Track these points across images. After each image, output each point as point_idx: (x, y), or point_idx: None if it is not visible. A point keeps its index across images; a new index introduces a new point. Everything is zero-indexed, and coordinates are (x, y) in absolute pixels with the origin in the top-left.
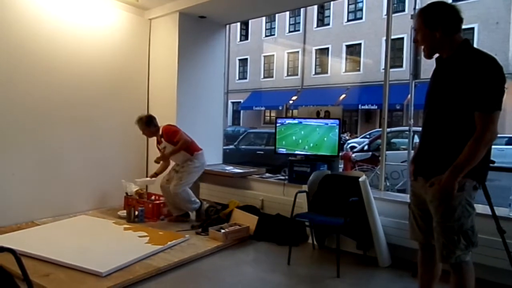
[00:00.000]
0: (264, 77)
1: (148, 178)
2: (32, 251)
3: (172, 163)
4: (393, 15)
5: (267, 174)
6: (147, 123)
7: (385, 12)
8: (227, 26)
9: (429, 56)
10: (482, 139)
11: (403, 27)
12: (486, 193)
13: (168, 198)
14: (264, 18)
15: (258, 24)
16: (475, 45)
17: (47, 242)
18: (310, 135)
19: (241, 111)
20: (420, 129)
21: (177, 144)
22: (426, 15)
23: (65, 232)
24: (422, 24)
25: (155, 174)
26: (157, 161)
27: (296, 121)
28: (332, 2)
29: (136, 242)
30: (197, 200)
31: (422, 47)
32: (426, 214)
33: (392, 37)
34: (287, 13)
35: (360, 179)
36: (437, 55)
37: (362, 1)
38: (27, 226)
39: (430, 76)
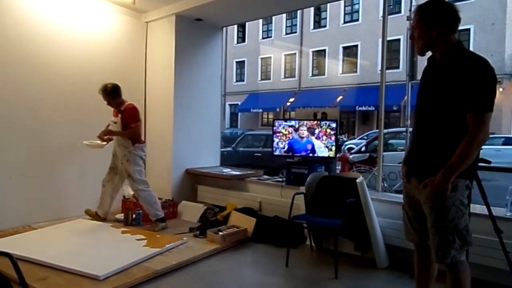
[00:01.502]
0: (262, 79)
1: (100, 142)
2: (29, 255)
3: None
4: (389, 16)
5: (265, 176)
6: (113, 93)
7: (381, 13)
8: (224, 28)
9: (422, 53)
10: (474, 140)
11: (399, 28)
12: (482, 193)
13: (104, 196)
14: (261, 21)
15: (255, 27)
16: (471, 46)
17: (45, 246)
18: None
19: (239, 113)
20: None
21: (127, 129)
22: (424, 13)
23: (62, 236)
24: (420, 21)
25: (109, 140)
26: (100, 136)
27: (293, 122)
28: (328, 4)
29: (134, 245)
30: (160, 210)
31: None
32: (420, 215)
33: (389, 38)
34: (284, 15)
35: (357, 180)
36: (429, 53)
37: (358, 3)
38: (24, 230)
39: (420, 76)
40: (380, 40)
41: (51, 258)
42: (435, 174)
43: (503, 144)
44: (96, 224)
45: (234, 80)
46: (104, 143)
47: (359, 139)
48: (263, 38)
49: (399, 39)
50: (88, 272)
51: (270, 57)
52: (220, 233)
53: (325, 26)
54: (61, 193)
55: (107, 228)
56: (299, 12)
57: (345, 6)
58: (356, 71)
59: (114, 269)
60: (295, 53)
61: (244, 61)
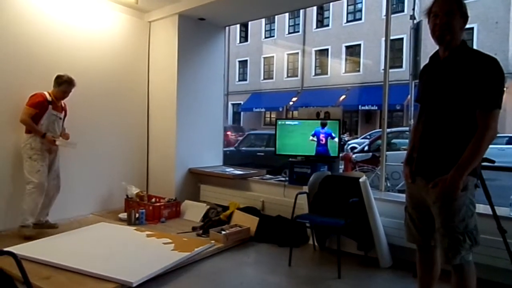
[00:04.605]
0: (264, 79)
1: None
2: (58, 261)
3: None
4: (392, 15)
5: (268, 176)
6: None
7: (384, 12)
8: (227, 28)
9: (440, 39)
10: (484, 137)
11: (403, 27)
12: (486, 193)
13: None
14: (263, 20)
15: (257, 26)
16: (474, 45)
17: (71, 251)
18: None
19: (241, 113)
20: None
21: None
22: (460, 2)
23: (87, 240)
24: (456, 8)
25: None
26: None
27: (296, 122)
28: (331, 3)
29: (162, 249)
30: (30, 223)
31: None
32: (425, 215)
33: (392, 37)
34: (287, 14)
35: (360, 180)
36: (431, 52)
37: (361, 2)
38: None
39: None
40: (383, 39)
41: (79, 264)
42: (444, 174)
43: (507, 144)
44: (119, 227)
45: (237, 80)
46: (76, 142)
47: (362, 138)
48: (265, 37)
49: (402, 38)
50: (120, 278)
51: (273, 57)
52: (223, 232)
53: (328, 25)
54: (64, 192)
55: (131, 231)
56: (301, 11)
57: (348, 5)
58: (359, 70)
59: (146, 274)
60: (297, 53)
61: (246, 60)
